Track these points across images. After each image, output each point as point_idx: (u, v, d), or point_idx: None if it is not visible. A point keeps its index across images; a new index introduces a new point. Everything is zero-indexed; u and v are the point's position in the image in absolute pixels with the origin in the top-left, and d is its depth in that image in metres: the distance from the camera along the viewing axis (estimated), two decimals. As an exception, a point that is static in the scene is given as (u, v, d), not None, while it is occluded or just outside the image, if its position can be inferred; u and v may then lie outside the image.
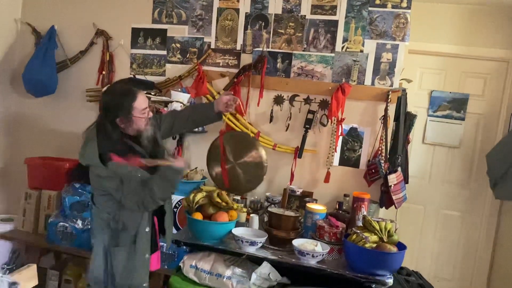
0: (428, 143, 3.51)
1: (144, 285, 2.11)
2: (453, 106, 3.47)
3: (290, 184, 3.00)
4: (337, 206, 2.76)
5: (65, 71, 3.45)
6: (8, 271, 1.48)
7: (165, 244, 2.61)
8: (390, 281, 2.17)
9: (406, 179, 2.94)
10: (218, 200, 2.44)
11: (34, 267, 1.52)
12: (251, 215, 2.63)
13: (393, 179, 2.74)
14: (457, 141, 3.46)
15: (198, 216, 2.41)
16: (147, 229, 2.08)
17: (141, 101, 1.96)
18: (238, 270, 2.25)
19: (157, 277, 2.84)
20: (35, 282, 1.52)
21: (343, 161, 3.01)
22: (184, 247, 2.42)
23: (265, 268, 2.24)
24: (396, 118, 2.86)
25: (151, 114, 2.05)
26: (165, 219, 2.26)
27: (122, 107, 1.93)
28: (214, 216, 2.41)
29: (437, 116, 3.51)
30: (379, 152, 2.84)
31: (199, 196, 2.46)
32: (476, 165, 3.42)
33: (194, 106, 2.57)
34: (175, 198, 2.82)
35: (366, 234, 2.23)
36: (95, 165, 1.91)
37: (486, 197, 3.38)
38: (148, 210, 2.03)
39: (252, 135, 2.94)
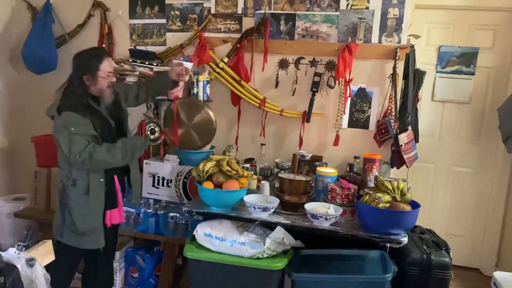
0: (438, 100, 3.45)
1: (100, 225, 2.29)
2: (462, 61, 3.38)
3: (299, 149, 2.96)
4: (347, 169, 2.75)
5: (64, 46, 3.38)
6: (24, 248, 1.48)
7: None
8: (405, 239, 2.17)
9: (416, 138, 2.90)
10: (228, 168, 2.43)
11: (49, 242, 1.52)
12: (261, 181, 2.62)
13: (403, 138, 2.71)
14: (467, 96, 3.40)
15: (209, 185, 2.41)
16: (102, 179, 2.24)
17: (107, 65, 2.22)
18: (252, 236, 2.26)
19: (171, 246, 2.87)
20: (52, 257, 1.53)
21: (352, 123, 2.96)
22: (197, 216, 2.42)
23: (279, 233, 2.25)
24: (405, 76, 2.81)
25: (114, 79, 2.29)
26: (130, 176, 2.41)
27: (90, 67, 2.19)
28: (225, 185, 2.41)
29: (446, 72, 3.43)
30: (389, 111, 2.79)
31: (209, 165, 2.45)
32: (487, 120, 3.36)
33: (153, 77, 2.79)
34: (184, 169, 2.81)
35: (378, 195, 2.22)
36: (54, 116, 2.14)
37: (498, 152, 3.34)
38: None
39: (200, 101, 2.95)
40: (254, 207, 2.31)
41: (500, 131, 3.03)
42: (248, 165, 2.86)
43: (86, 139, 2.12)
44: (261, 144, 3.00)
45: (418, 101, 2.98)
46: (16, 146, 3.65)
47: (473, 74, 3.37)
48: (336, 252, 2.35)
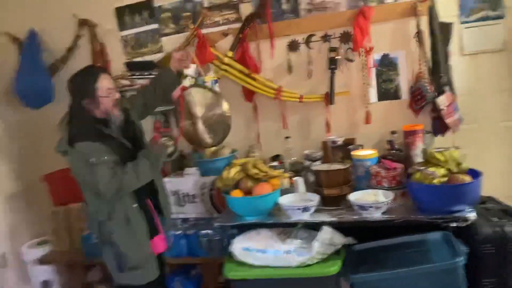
0: (468, 53, 3.09)
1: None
2: (487, 4, 3.01)
3: (328, 135, 2.72)
4: (388, 146, 2.48)
5: (58, 73, 3.19)
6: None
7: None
8: (473, 214, 1.92)
9: (455, 98, 2.60)
10: (255, 171, 2.21)
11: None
12: (294, 178, 2.39)
13: (443, 101, 2.44)
14: (500, 43, 3.04)
15: (237, 193, 2.21)
16: (135, 205, 2.05)
17: (105, 81, 2.02)
18: (297, 242, 2.04)
19: (210, 267, 2.65)
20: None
21: (382, 95, 2.70)
22: (231, 230, 2.19)
23: (326, 233, 2.02)
24: (431, 32, 2.51)
25: (118, 95, 2.08)
26: (159, 198, 2.18)
27: (86, 88, 1.98)
28: (255, 190, 2.20)
29: (472, 21, 3.06)
30: (421, 75, 2.51)
31: (234, 171, 2.23)
32: (529, 65, 3.01)
33: (153, 77, 2.47)
34: (206, 180, 2.57)
35: (431, 169, 1.98)
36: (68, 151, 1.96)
37: (546, 97, 2.99)
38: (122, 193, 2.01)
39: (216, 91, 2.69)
40: (293, 209, 2.08)
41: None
42: (275, 163, 2.64)
43: (109, 167, 1.92)
44: (286, 137, 2.79)
45: (450, 57, 2.66)
46: (29, 188, 3.47)
47: (502, 17, 3.02)
48: (393, 241, 2.12)
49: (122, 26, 3.06)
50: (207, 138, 2.66)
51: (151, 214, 2.14)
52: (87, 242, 2.82)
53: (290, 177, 2.47)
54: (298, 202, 2.17)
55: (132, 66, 2.85)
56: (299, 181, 2.35)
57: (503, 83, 3.08)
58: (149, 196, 2.15)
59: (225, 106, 2.64)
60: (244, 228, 2.19)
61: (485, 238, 2.00)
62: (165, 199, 2.26)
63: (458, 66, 3.06)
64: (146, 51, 3.04)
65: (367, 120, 2.67)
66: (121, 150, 2.03)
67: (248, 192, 2.21)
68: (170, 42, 2.97)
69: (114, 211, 2.01)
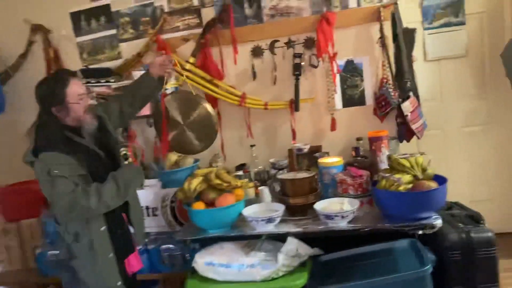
0: (432, 59, 3.14)
1: (118, 283, 1.94)
2: (449, 11, 3.07)
3: (294, 143, 2.66)
4: (353, 153, 2.42)
5: (10, 82, 3.02)
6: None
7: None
8: (439, 221, 1.88)
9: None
10: (218, 181, 2.11)
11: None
12: (259, 188, 2.32)
13: (407, 106, 2.41)
14: (463, 49, 3.09)
15: (199, 205, 2.11)
16: (103, 228, 1.89)
17: (75, 87, 1.88)
18: (261, 255, 1.96)
19: (172, 283, 2.52)
20: None
21: (347, 102, 2.67)
22: (193, 244, 2.09)
23: (291, 244, 1.96)
24: (394, 38, 2.50)
25: (90, 101, 1.96)
26: (130, 214, 2.03)
27: (55, 95, 1.83)
28: (218, 201, 2.10)
29: (435, 28, 3.12)
30: (385, 80, 2.48)
31: (195, 182, 2.13)
32: (489, 71, 3.07)
33: (132, 83, 2.33)
34: (168, 192, 2.46)
35: (397, 176, 1.94)
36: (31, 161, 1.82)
37: (507, 102, 3.04)
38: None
39: (194, 93, 2.61)
40: (257, 220, 2.00)
41: (508, 78, 2.73)
42: (241, 172, 2.55)
43: (72, 181, 1.76)
44: (251, 145, 2.70)
45: (414, 62, 2.65)
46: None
47: (463, 23, 3.07)
48: (360, 250, 2.09)
49: (78, 31, 2.93)
50: (196, 144, 2.62)
51: (126, 230, 2.01)
52: (41, 260, 2.64)
53: (256, 187, 2.40)
54: (263, 212, 2.08)
55: (87, 73, 2.70)
56: (264, 190, 2.28)
57: (465, 88, 3.12)
58: (124, 210, 2.01)
59: (208, 107, 2.59)
60: (207, 242, 2.10)
61: (451, 245, 1.99)
62: (138, 213, 2.12)
63: (422, 72, 3.08)
64: (104, 58, 2.91)
65: (333, 127, 2.62)
66: (93, 160, 1.89)
67: (211, 203, 2.11)
68: (129, 48, 2.85)
69: (79, 232, 1.86)
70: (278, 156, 2.70)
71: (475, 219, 2.16)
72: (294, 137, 2.68)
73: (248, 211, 2.09)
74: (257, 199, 2.32)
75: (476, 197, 3.14)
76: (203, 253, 2.04)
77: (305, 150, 2.58)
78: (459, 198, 2.50)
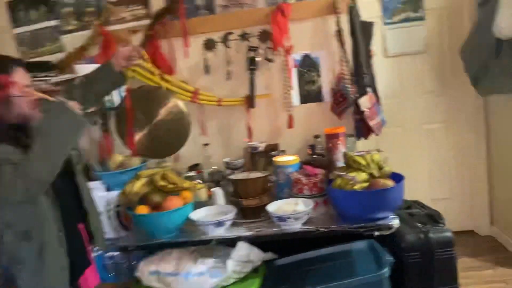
0: (391, 55, 3.08)
1: None
2: (408, 6, 3.02)
3: (248, 141, 2.54)
4: (309, 151, 2.32)
5: None
6: None
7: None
8: (395, 222, 1.80)
9: (378, 100, 2.51)
10: (163, 183, 1.94)
11: None
12: (212, 189, 2.17)
13: (365, 102, 2.33)
14: (422, 45, 3.04)
15: (143, 209, 1.93)
16: (60, 233, 1.56)
17: (19, 77, 1.56)
18: (210, 261, 1.83)
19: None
20: None
21: (304, 98, 2.58)
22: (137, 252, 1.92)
23: (242, 249, 1.85)
24: (352, 32, 2.40)
25: (38, 94, 1.59)
26: (89, 221, 1.73)
27: None
28: (163, 204, 1.93)
29: (394, 23, 3.06)
30: (342, 75, 2.38)
31: (138, 184, 1.96)
32: (449, 67, 3.03)
33: (87, 76, 1.91)
34: (113, 195, 2.27)
35: (352, 174, 1.85)
36: None
37: (467, 99, 3.01)
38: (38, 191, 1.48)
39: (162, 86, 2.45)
40: (206, 224, 1.86)
41: (467, 73, 2.69)
42: (193, 173, 2.39)
43: (13, 164, 1.43)
44: (204, 144, 2.57)
45: (372, 57, 2.58)
46: None
47: (422, 19, 3.02)
48: (316, 253, 2.02)
49: (16, 22, 2.71)
50: (165, 147, 2.48)
51: (83, 243, 1.70)
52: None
53: (208, 188, 2.25)
54: (214, 216, 1.94)
55: (25, 67, 2.48)
56: (218, 192, 2.14)
57: (424, 85, 3.08)
58: (81, 220, 1.71)
59: (179, 103, 2.43)
60: (153, 249, 1.95)
61: (410, 246, 1.91)
62: (96, 221, 1.82)
63: (382, 68, 3.02)
64: (45, 51, 2.71)
65: (290, 124, 2.52)
66: None
67: (156, 207, 1.95)
68: (72, 41, 2.66)
69: (29, 230, 1.51)
70: (234, 156, 2.58)
71: (435, 218, 2.09)
72: (250, 135, 2.56)
73: (197, 215, 1.94)
74: (209, 201, 2.18)
75: (436, 195, 3.11)
76: (148, 261, 1.90)
77: (260, 149, 2.46)
78: (420, 197, 2.45)
